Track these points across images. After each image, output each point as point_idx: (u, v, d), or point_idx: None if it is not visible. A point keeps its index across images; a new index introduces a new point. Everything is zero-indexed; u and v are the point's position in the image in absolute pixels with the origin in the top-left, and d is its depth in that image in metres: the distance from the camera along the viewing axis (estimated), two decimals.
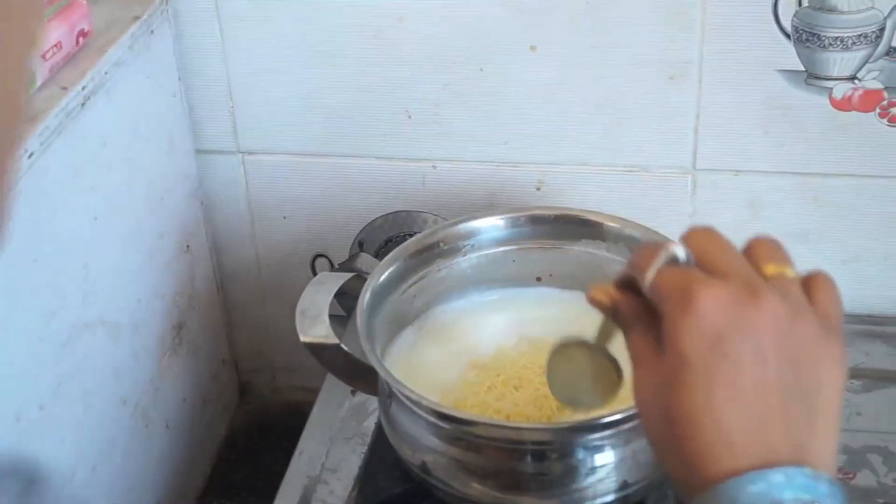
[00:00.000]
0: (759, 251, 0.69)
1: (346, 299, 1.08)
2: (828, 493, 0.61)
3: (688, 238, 0.70)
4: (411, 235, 1.27)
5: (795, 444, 0.63)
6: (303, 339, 1.00)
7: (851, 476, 1.06)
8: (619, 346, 0.75)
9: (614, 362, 0.79)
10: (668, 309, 0.66)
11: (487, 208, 1.23)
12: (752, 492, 0.61)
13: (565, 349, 0.84)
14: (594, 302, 0.73)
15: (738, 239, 1.21)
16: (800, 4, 1.09)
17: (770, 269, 0.68)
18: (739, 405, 0.63)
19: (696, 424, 0.63)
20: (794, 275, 0.68)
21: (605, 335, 0.79)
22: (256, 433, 1.40)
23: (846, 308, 1.21)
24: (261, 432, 1.40)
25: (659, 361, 0.66)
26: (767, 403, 0.63)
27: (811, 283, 0.69)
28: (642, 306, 0.70)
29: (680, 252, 0.68)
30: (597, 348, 0.80)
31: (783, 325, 0.64)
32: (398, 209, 1.27)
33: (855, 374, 1.15)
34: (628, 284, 0.71)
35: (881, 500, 1.04)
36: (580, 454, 0.93)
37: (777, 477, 0.61)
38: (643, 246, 0.71)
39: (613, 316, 0.72)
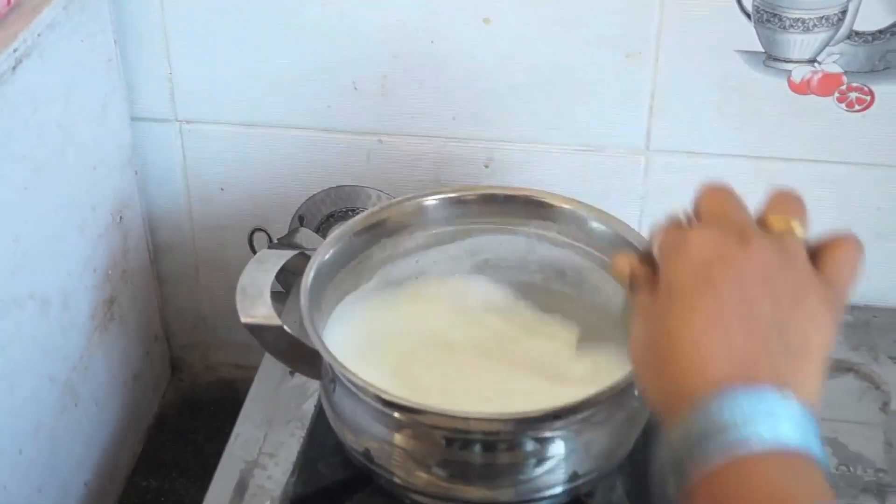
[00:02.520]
0: (773, 201, 0.71)
1: (284, 275, 1.05)
2: (796, 415, 0.63)
3: (699, 195, 0.73)
4: (354, 211, 1.25)
5: (774, 374, 0.64)
6: (243, 319, 0.96)
7: None
8: None
9: None
10: (665, 255, 0.69)
11: (434, 185, 1.21)
12: (722, 408, 0.62)
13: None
14: (616, 270, 0.74)
15: None
16: None
17: (776, 221, 0.70)
18: (719, 331, 0.65)
19: (677, 347, 0.66)
20: (802, 231, 0.69)
21: (627, 313, 0.82)
22: (188, 411, 1.36)
23: None
24: (192, 410, 1.36)
25: (654, 305, 0.69)
26: (747, 334, 0.65)
27: (828, 246, 0.69)
28: (653, 276, 0.71)
29: (684, 214, 0.72)
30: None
31: (771, 268, 0.66)
32: (341, 184, 1.24)
33: None
34: (646, 259, 0.73)
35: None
36: (529, 445, 0.90)
37: (749, 395, 0.63)
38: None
39: (630, 284, 0.73)
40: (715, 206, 0.71)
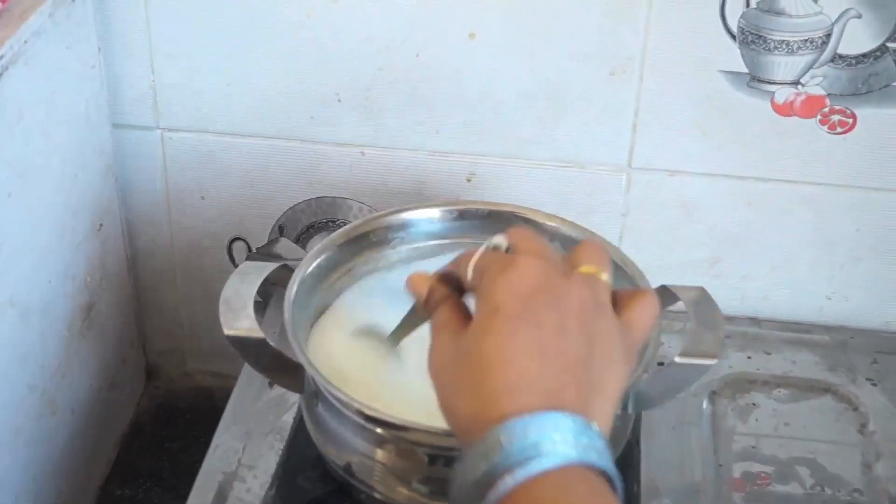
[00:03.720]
0: (580, 253, 0.74)
1: (263, 285, 1.04)
2: (596, 439, 0.65)
3: (510, 232, 0.75)
4: (334, 222, 1.24)
5: (578, 403, 0.66)
6: (226, 332, 0.95)
7: (766, 482, 1.04)
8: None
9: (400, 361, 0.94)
10: (487, 276, 0.71)
11: (416, 198, 1.20)
12: (530, 430, 0.64)
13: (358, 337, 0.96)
14: (411, 286, 0.78)
15: (670, 239, 1.21)
16: (747, 5, 1.07)
17: (586, 268, 0.72)
18: (536, 357, 0.67)
19: (492, 367, 0.67)
20: (607, 280, 0.73)
21: (403, 330, 0.90)
22: (163, 419, 1.35)
23: (773, 314, 1.23)
24: (168, 418, 1.35)
25: (465, 326, 0.71)
26: (559, 365, 0.67)
27: (631, 297, 0.73)
28: (455, 294, 0.75)
29: (502, 242, 0.74)
30: (390, 341, 0.92)
31: (586, 308, 0.69)
32: (322, 195, 1.23)
33: (782, 383, 1.15)
34: (446, 280, 0.76)
35: None
36: None
37: (555, 419, 0.64)
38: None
39: (425, 301, 0.76)
40: (531, 242, 0.73)
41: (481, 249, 0.74)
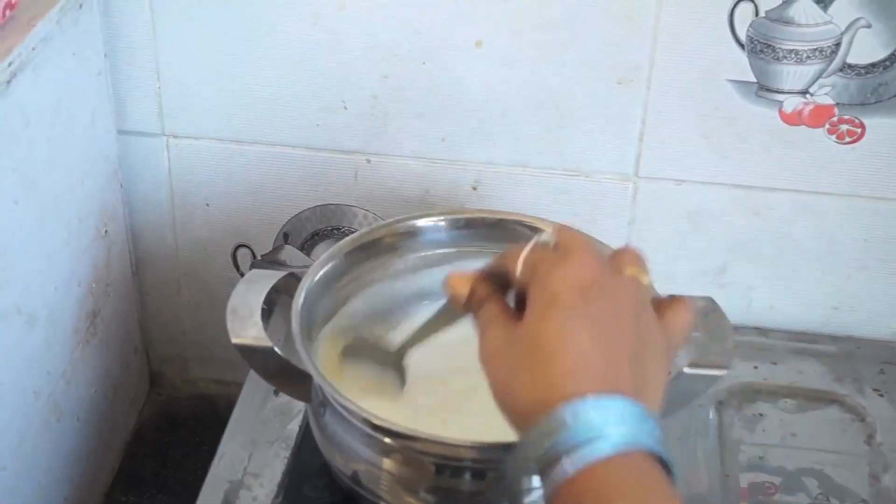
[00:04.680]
0: (622, 257, 0.76)
1: (268, 293, 1.04)
2: (654, 426, 0.68)
3: (558, 232, 0.76)
4: (339, 229, 1.24)
5: (635, 390, 0.69)
6: (234, 340, 0.95)
7: (773, 493, 1.04)
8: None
9: (402, 374, 0.95)
10: (541, 269, 0.72)
11: (421, 206, 1.20)
12: (592, 413, 0.66)
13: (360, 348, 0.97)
14: (450, 286, 0.79)
15: (676, 248, 1.20)
16: (756, 14, 1.07)
17: (630, 270, 0.75)
18: (595, 344, 0.69)
19: (556, 351, 0.69)
20: (649, 282, 0.76)
21: (422, 334, 0.91)
22: (166, 426, 1.35)
23: (779, 324, 1.22)
24: (171, 425, 1.35)
25: (514, 318, 0.73)
26: (616, 353, 0.69)
27: (668, 303, 0.76)
28: (499, 290, 0.77)
29: (549, 238, 0.75)
30: (396, 355, 0.93)
31: (635, 305, 0.72)
32: (327, 202, 1.23)
33: (789, 393, 1.14)
34: (488, 278, 0.77)
35: None
36: None
37: (618, 404, 0.67)
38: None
39: (467, 302, 0.77)
40: (578, 240, 0.75)
41: (530, 245, 0.75)
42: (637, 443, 0.66)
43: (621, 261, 0.76)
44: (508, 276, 0.75)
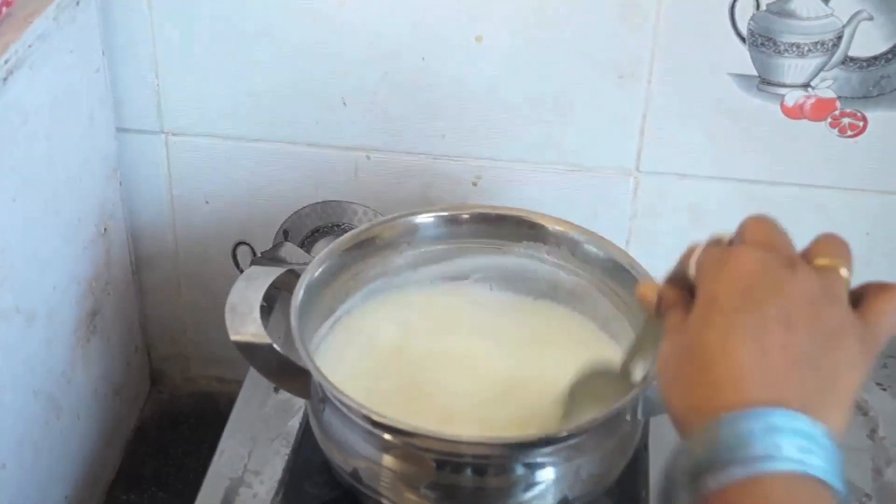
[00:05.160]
0: (818, 245, 0.71)
1: (268, 290, 1.03)
2: (824, 446, 0.62)
3: (745, 222, 0.72)
4: (339, 226, 1.24)
5: (803, 402, 0.64)
6: (233, 337, 0.94)
7: None
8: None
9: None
10: (706, 268, 0.69)
11: (422, 202, 1.20)
12: (752, 426, 0.62)
13: (589, 379, 0.92)
14: (642, 297, 0.75)
15: (678, 243, 1.20)
16: (757, 8, 1.06)
17: (823, 260, 0.69)
18: (757, 350, 0.65)
19: (713, 358, 0.65)
20: (847, 274, 0.69)
21: (632, 355, 0.87)
22: (167, 424, 1.35)
23: None
24: (172, 423, 1.35)
25: (688, 319, 0.69)
26: (783, 360, 0.65)
27: (870, 291, 0.69)
28: (685, 296, 0.71)
29: (724, 233, 0.71)
30: (622, 375, 0.88)
31: (816, 301, 0.66)
32: (327, 199, 1.23)
33: None
34: (675, 282, 0.73)
35: None
36: (519, 469, 0.90)
37: (779, 418, 0.62)
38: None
39: (657, 310, 0.73)
40: (761, 233, 0.70)
41: (705, 242, 0.72)
42: (792, 463, 0.61)
43: (815, 251, 0.70)
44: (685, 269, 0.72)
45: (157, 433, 1.33)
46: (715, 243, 0.71)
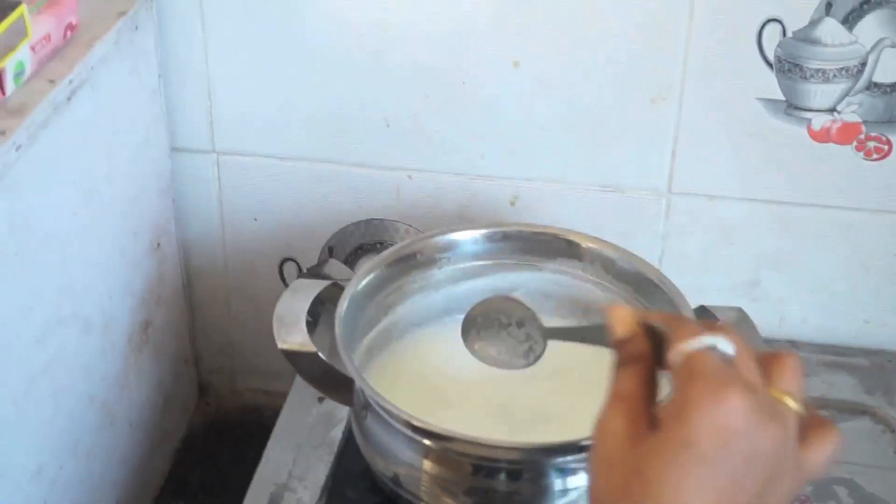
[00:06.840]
0: (777, 370, 0.68)
1: (312, 304, 1.08)
2: None
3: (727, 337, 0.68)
4: (382, 244, 1.28)
5: None
6: (280, 345, 0.99)
7: (805, 501, 1.06)
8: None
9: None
10: (696, 387, 0.65)
11: (461, 221, 1.24)
12: None
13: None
14: (614, 319, 0.72)
15: (709, 262, 1.23)
16: (784, 35, 1.10)
17: (777, 392, 0.67)
18: (716, 496, 0.64)
19: (662, 497, 0.64)
20: (798, 409, 0.67)
21: (564, 334, 0.88)
22: (214, 434, 1.39)
23: (811, 338, 1.24)
24: (218, 434, 1.39)
25: (645, 418, 0.67)
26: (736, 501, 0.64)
27: (815, 427, 0.68)
28: (650, 351, 0.70)
29: (728, 349, 0.67)
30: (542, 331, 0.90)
31: (778, 452, 0.65)
32: (371, 217, 1.27)
33: (820, 405, 1.16)
34: (650, 333, 0.71)
35: None
36: (554, 475, 0.93)
37: None
38: (691, 318, 0.71)
39: (618, 344, 0.71)
40: (746, 359, 0.68)
41: (700, 341, 0.66)
42: None
43: (774, 376, 0.67)
44: (667, 348, 0.68)
45: (204, 443, 1.37)
46: (713, 356, 0.66)
